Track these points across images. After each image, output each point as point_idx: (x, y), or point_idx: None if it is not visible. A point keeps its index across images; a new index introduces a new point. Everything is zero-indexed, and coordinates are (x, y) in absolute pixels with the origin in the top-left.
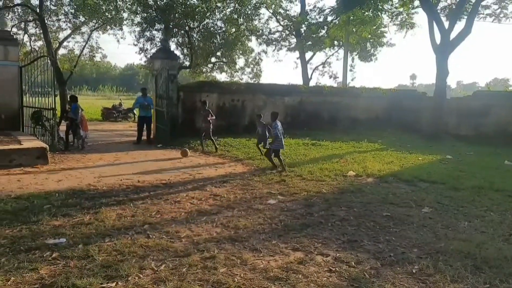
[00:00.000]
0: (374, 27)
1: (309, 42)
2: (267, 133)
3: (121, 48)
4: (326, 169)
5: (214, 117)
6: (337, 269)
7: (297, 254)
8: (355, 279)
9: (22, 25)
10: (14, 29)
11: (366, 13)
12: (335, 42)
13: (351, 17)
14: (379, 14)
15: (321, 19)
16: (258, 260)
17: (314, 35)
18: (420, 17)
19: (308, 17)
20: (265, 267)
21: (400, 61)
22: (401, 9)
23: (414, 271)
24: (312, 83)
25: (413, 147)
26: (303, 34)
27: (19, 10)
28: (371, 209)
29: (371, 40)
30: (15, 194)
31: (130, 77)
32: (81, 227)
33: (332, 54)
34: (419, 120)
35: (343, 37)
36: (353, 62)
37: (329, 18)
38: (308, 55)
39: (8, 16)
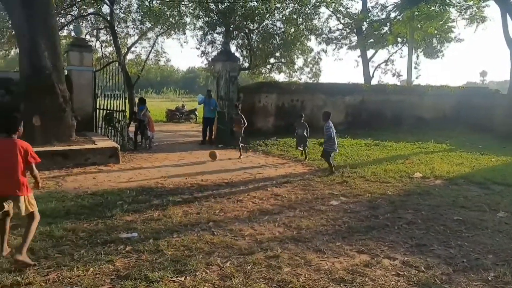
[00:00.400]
0: (441, 22)
1: (371, 40)
2: (305, 134)
3: (183, 51)
4: (391, 170)
5: (246, 124)
6: (405, 273)
7: (362, 257)
8: (425, 284)
9: (95, 32)
10: (88, 37)
11: (433, 8)
12: (399, 39)
13: (416, 13)
14: (447, 8)
15: (383, 16)
16: (322, 261)
17: (376, 33)
18: (492, 10)
19: (370, 14)
20: (330, 268)
21: (469, 57)
22: (471, 2)
23: (490, 278)
24: (374, 81)
25: (485, 148)
26: (365, 31)
27: (92, 19)
28: (440, 213)
29: (437, 36)
30: (91, 191)
31: (192, 79)
32: (151, 222)
33: (395, 52)
34: (491, 119)
35: (407, 34)
36: (417, 59)
37: (392, 15)
38: (369, 53)
39: (82, 24)
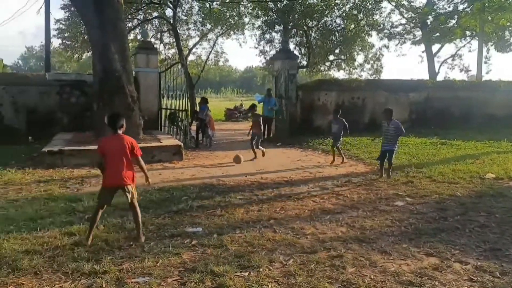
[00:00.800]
0: None
1: (437, 34)
2: (340, 132)
3: (241, 51)
4: (460, 171)
5: (262, 127)
6: (478, 278)
7: (431, 260)
8: None
9: (158, 35)
10: (152, 39)
11: None
12: (467, 32)
13: (487, 4)
14: None
15: (450, 8)
16: (388, 262)
17: (442, 26)
18: None
19: (435, 7)
20: (397, 270)
21: None
22: None
23: None
24: (439, 77)
25: None
26: (430, 25)
27: (156, 22)
28: None
29: (510, 28)
30: (158, 186)
31: (249, 79)
32: (214, 218)
33: (463, 46)
34: None
35: (477, 27)
36: (488, 53)
37: (461, 7)
38: (435, 47)
39: (147, 27)
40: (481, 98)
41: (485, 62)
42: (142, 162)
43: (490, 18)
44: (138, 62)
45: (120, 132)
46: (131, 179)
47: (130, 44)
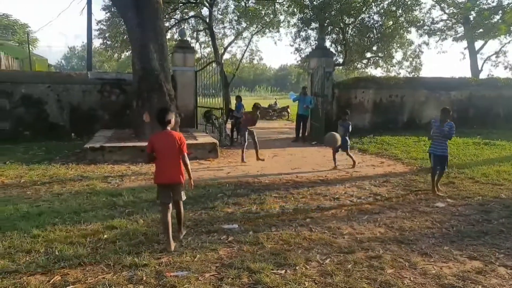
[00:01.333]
0: None
1: (480, 30)
2: (345, 135)
3: (275, 50)
4: (504, 172)
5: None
6: None
7: (474, 263)
8: None
9: (194, 34)
10: (188, 38)
11: None
12: None
13: None
14: None
15: (494, 3)
16: (429, 264)
17: (486, 22)
18: None
19: (478, 2)
20: (438, 273)
21: None
22: None
23: None
24: (483, 75)
25: None
26: (473, 21)
27: (192, 21)
28: None
29: None
30: (194, 183)
31: (283, 77)
32: (250, 215)
33: (508, 42)
34: None
35: None
36: None
37: (505, 2)
38: (478, 44)
39: (184, 26)
40: None
41: None
42: (187, 160)
43: None
44: (175, 61)
45: (168, 128)
46: (183, 177)
47: (168, 43)
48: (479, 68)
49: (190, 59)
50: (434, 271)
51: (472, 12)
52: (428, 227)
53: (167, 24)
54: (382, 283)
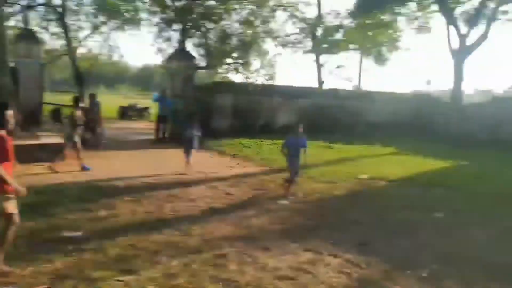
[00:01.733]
0: (391, 31)
1: (325, 45)
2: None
3: (139, 48)
4: (339, 171)
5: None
6: (346, 270)
7: (307, 255)
8: (365, 281)
9: (45, 23)
10: (37, 28)
11: (383, 17)
12: (351, 46)
13: (367, 21)
14: (396, 18)
15: (337, 23)
16: (269, 259)
17: (329, 38)
18: (436, 21)
19: (323, 20)
20: (276, 266)
21: (416, 66)
22: (419, 14)
23: (425, 275)
24: (327, 86)
25: (430, 153)
26: (319, 37)
27: (42, 9)
28: (384, 213)
29: (386, 44)
30: (34, 189)
31: (147, 77)
32: (97, 221)
33: (347, 58)
34: (436, 125)
35: (359, 41)
36: (368, 66)
37: (346, 22)
38: (324, 58)
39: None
40: (362, 107)
41: (365, 74)
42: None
43: (370, 34)
44: (18, 51)
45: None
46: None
47: (10, 32)
48: (324, 80)
49: (36, 50)
50: (273, 264)
51: (318, 29)
52: (273, 223)
53: (10, 9)
54: (225, 280)
